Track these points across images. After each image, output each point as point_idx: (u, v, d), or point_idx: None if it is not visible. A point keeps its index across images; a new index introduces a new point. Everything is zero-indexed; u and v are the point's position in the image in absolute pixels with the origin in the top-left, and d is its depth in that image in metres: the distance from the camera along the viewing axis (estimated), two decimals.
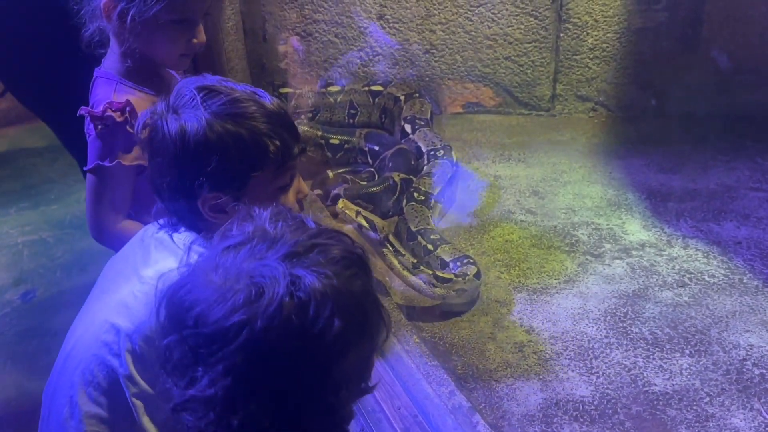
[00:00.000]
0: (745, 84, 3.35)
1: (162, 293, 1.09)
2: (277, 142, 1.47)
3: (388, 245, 2.41)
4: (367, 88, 3.57)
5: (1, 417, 2.23)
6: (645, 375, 2.09)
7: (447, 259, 2.52)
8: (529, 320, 2.32)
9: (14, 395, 2.28)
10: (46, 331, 2.56)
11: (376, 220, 2.43)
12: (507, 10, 3.47)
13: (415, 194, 2.81)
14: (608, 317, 2.33)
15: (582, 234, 2.75)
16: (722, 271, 2.51)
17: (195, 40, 1.86)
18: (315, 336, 0.99)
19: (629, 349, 2.19)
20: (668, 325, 2.28)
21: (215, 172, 1.43)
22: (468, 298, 2.41)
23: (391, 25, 3.57)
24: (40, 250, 3.03)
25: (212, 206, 1.48)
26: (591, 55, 3.50)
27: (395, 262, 2.39)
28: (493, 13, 3.49)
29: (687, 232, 2.73)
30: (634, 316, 2.33)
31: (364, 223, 2.37)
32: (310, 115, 3.53)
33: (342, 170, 3.19)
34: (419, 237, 2.62)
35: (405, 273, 2.38)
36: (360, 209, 2.42)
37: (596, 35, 3.46)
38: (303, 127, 3.24)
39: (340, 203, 2.39)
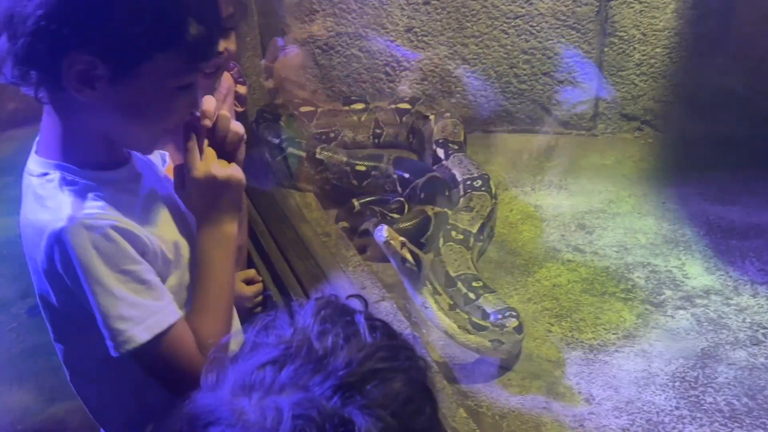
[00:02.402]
0: None
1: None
2: (201, 27, 1.20)
3: (429, 284, 2.15)
4: (393, 106, 3.29)
5: None
6: None
7: (489, 310, 2.25)
8: (588, 386, 2.05)
9: (19, 417, 2.12)
10: (52, 348, 2.32)
11: (422, 255, 2.16)
12: (547, 22, 3.18)
13: (453, 233, 2.53)
14: (677, 383, 2.05)
15: (638, 277, 2.47)
16: None
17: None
18: None
19: (705, 424, 1.91)
20: (745, 394, 2.00)
21: (105, 29, 1.15)
22: (506, 353, 2.14)
23: (420, 38, 3.28)
24: None
25: (80, 75, 1.18)
26: (638, 71, 3.20)
27: (432, 301, 2.11)
28: (531, 26, 3.20)
29: (755, 276, 2.44)
30: (706, 381, 2.05)
31: (409, 258, 2.07)
32: (332, 134, 3.26)
33: (368, 199, 2.91)
34: (459, 283, 2.35)
35: (440, 314, 2.11)
36: (406, 241, 2.13)
37: (644, 50, 3.16)
38: (327, 152, 2.97)
39: (386, 232, 2.07)
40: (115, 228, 1.24)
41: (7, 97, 3.35)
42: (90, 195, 1.25)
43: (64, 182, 1.25)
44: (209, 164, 1.38)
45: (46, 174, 1.27)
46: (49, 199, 1.26)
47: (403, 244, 2.09)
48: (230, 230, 1.41)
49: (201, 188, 1.37)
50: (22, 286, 2.59)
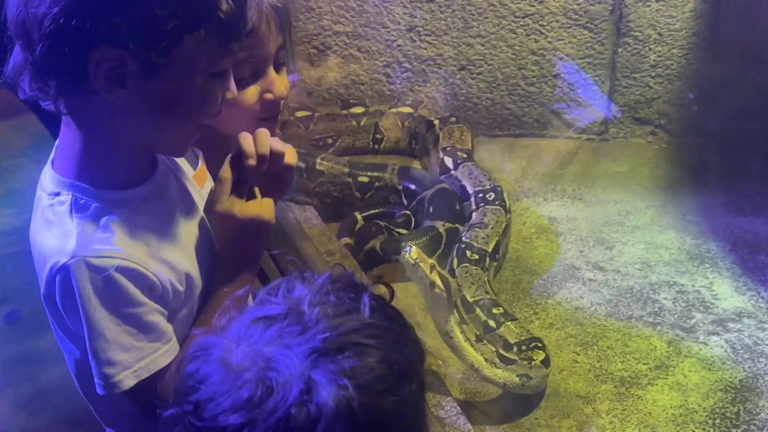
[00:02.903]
0: None
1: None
2: (232, 3, 1.10)
3: (456, 312, 1.97)
4: (394, 110, 3.10)
5: None
6: None
7: (511, 340, 2.08)
8: (623, 425, 1.90)
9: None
10: (32, 357, 2.21)
11: (451, 280, 1.97)
12: (558, 21, 2.99)
13: (468, 252, 2.35)
14: (717, 420, 1.90)
15: (665, 299, 2.31)
16: None
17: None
18: None
19: None
20: None
21: (129, 16, 1.05)
22: (534, 389, 1.98)
23: (423, 38, 3.09)
24: (26, 263, 2.61)
25: (110, 73, 1.08)
26: (653, 73, 3.03)
27: (458, 331, 1.94)
28: (541, 25, 3.01)
29: None
30: (748, 418, 1.91)
31: (439, 283, 1.89)
32: (330, 140, 3.07)
33: (372, 212, 2.73)
34: (478, 310, 2.17)
35: (466, 345, 1.94)
36: (435, 263, 1.94)
37: (660, 51, 2.99)
38: (327, 162, 2.77)
39: (414, 252, 1.89)
40: (121, 270, 1.15)
41: None
42: (102, 223, 1.17)
43: (76, 207, 1.17)
44: (234, 202, 1.27)
45: (58, 194, 1.19)
46: (57, 226, 1.18)
47: (432, 268, 1.91)
48: (244, 280, 1.30)
49: (221, 225, 1.30)
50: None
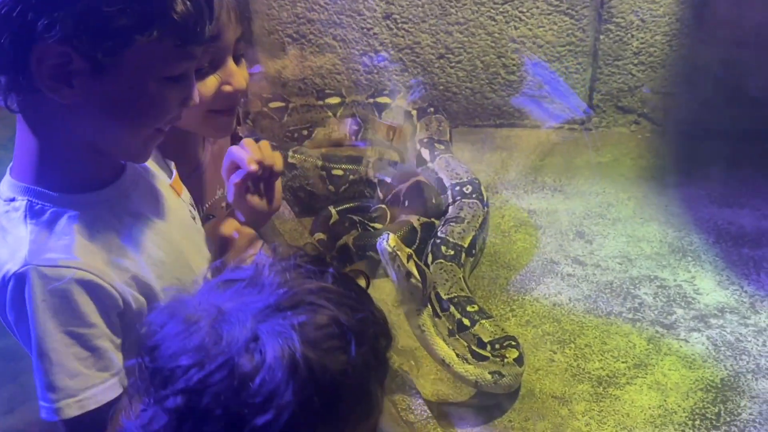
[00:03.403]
0: None
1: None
2: (189, 4, 1.04)
3: (430, 306, 1.89)
4: (371, 100, 3.00)
5: None
6: None
7: (485, 339, 2.00)
8: (599, 427, 1.82)
9: None
10: (8, 355, 2.10)
11: (428, 272, 1.89)
12: (538, 8, 2.90)
13: (443, 248, 2.27)
14: (697, 421, 1.83)
15: (645, 294, 2.24)
16: None
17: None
18: (256, 410, 0.84)
19: None
20: None
21: (77, 11, 0.98)
22: (506, 388, 1.90)
23: (400, 25, 2.99)
24: None
25: (54, 70, 1.01)
26: (635, 61, 2.94)
27: (430, 324, 1.85)
28: (521, 12, 2.92)
29: None
30: (729, 418, 1.83)
31: (415, 273, 1.80)
32: (305, 132, 2.97)
33: (347, 206, 2.64)
34: (452, 308, 2.09)
35: (437, 339, 1.86)
36: (413, 253, 1.85)
37: (642, 37, 2.90)
38: (299, 155, 2.68)
39: (392, 241, 1.80)
40: (77, 282, 1.08)
41: None
42: (59, 228, 1.10)
43: (31, 212, 1.10)
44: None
45: (13, 200, 1.12)
46: (10, 233, 1.11)
47: (409, 257, 1.82)
48: None
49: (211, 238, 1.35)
50: None
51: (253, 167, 1.34)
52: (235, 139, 1.74)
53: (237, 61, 1.52)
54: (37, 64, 1.01)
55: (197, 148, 1.65)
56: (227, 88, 1.49)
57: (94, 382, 1.10)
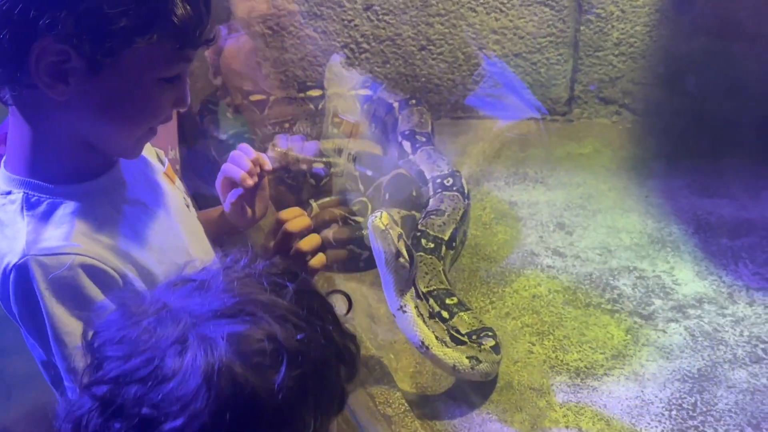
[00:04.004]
0: None
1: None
2: (189, 8, 1.05)
3: (414, 288, 1.87)
4: (353, 92, 2.98)
5: None
6: None
7: (463, 330, 1.99)
8: (577, 418, 1.82)
9: None
10: (5, 349, 2.05)
11: (415, 254, 1.86)
12: None
13: (423, 240, 2.25)
14: (674, 411, 1.83)
15: (624, 285, 2.23)
16: None
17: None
18: (167, 414, 0.80)
19: None
20: (749, 422, 1.79)
21: (77, 11, 0.99)
22: (483, 375, 1.88)
23: (381, 17, 2.96)
24: None
25: (51, 67, 1.02)
26: (616, 52, 2.93)
27: (412, 305, 1.83)
28: (501, 3, 2.90)
29: (750, 281, 2.23)
30: (705, 408, 1.83)
31: (404, 253, 1.77)
32: (286, 125, 2.95)
33: (327, 199, 2.62)
34: (431, 300, 2.08)
35: (418, 320, 1.83)
36: (403, 233, 1.81)
37: (623, 28, 2.89)
38: (279, 149, 2.65)
39: (385, 218, 1.75)
40: (78, 266, 1.09)
41: None
42: (56, 218, 1.11)
43: (27, 205, 1.11)
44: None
45: (9, 193, 1.13)
46: (8, 226, 1.12)
47: (399, 236, 1.79)
48: None
49: None
50: None
51: (249, 184, 1.42)
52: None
53: None
54: (35, 60, 1.01)
55: None
56: None
57: None
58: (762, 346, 2.00)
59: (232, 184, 1.47)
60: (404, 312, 1.82)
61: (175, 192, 1.34)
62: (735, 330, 2.06)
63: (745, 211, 2.53)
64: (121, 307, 0.90)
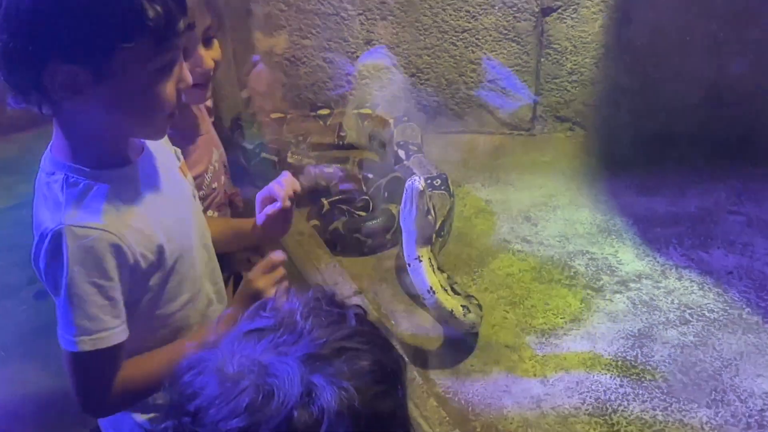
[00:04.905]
0: (720, 104, 2.97)
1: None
2: (159, 8, 1.05)
3: (431, 245, 1.93)
4: (356, 111, 3.09)
5: (20, 413, 1.94)
6: None
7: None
8: (542, 369, 1.94)
9: (30, 389, 1.99)
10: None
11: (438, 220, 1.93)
12: (491, 36, 3.01)
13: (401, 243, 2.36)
14: (619, 362, 1.95)
15: (579, 265, 2.36)
16: (720, 305, 2.16)
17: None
18: None
19: (646, 401, 1.82)
20: (680, 370, 1.92)
21: (70, 36, 1.01)
22: (470, 325, 1.98)
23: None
24: None
25: (65, 83, 1.05)
26: (570, 79, 3.07)
27: (427, 258, 1.90)
28: (477, 39, 3.03)
29: (679, 261, 2.37)
30: (644, 360, 1.96)
31: (433, 213, 1.87)
32: (301, 138, 3.05)
33: (336, 198, 2.72)
34: None
35: (429, 269, 1.90)
36: (432, 196, 1.89)
37: (575, 60, 3.03)
38: (297, 156, 2.76)
39: (423, 182, 1.83)
40: (102, 239, 1.12)
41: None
42: (89, 197, 1.14)
43: (66, 183, 1.15)
44: (258, 276, 1.31)
45: (53, 173, 1.17)
46: (50, 200, 1.16)
47: (431, 199, 1.89)
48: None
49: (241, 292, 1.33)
50: (29, 273, 2.29)
51: (287, 204, 1.44)
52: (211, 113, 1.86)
53: (208, 44, 1.59)
54: (50, 81, 1.05)
55: (193, 119, 1.72)
56: (198, 70, 1.55)
57: (107, 326, 1.15)
58: (689, 311, 2.14)
59: (271, 200, 1.48)
60: (420, 261, 1.90)
61: (186, 185, 1.37)
62: (667, 299, 2.19)
63: (674, 206, 2.67)
64: (211, 377, 0.79)
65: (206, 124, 1.76)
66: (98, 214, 1.13)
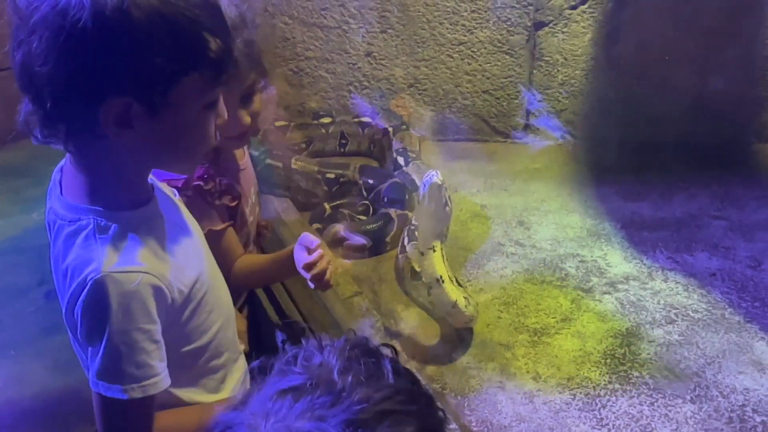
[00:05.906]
0: (702, 115, 3.01)
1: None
2: (219, 41, 1.02)
3: (443, 237, 1.96)
4: (357, 120, 3.12)
5: (29, 411, 1.91)
6: (653, 426, 1.76)
7: None
8: (535, 366, 1.96)
9: (41, 389, 1.96)
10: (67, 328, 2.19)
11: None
12: (485, 48, 3.05)
13: (416, 233, 2.39)
14: (608, 359, 1.98)
15: (570, 267, 2.39)
16: (704, 306, 2.19)
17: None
18: None
19: (633, 396, 1.85)
20: (665, 367, 1.95)
21: (131, 68, 0.96)
22: (470, 317, 1.99)
23: (378, 61, 3.12)
24: None
25: (118, 117, 0.99)
26: (561, 90, 3.11)
27: (438, 248, 1.94)
28: (472, 51, 3.07)
29: (664, 263, 2.40)
30: (632, 357, 1.99)
31: (450, 206, 1.89)
32: (303, 145, 3.07)
33: (338, 203, 2.75)
34: (423, 277, 2.21)
35: (438, 261, 1.93)
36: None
37: (566, 72, 3.07)
38: (300, 162, 2.79)
39: (441, 175, 1.83)
40: (144, 284, 1.06)
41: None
42: (124, 241, 1.07)
43: (98, 229, 1.07)
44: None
45: (79, 219, 1.08)
46: (82, 248, 1.07)
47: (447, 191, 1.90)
48: None
49: None
50: (39, 275, 2.35)
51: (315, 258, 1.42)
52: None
53: (247, 101, 1.52)
54: (104, 115, 0.99)
55: (232, 156, 1.71)
56: (235, 128, 1.50)
57: (156, 372, 1.09)
58: (674, 311, 2.17)
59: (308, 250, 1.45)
60: (433, 251, 1.92)
61: (189, 215, 1.32)
62: (653, 300, 2.22)
63: (660, 211, 2.71)
64: None
65: (246, 159, 1.75)
66: (137, 257, 1.07)
